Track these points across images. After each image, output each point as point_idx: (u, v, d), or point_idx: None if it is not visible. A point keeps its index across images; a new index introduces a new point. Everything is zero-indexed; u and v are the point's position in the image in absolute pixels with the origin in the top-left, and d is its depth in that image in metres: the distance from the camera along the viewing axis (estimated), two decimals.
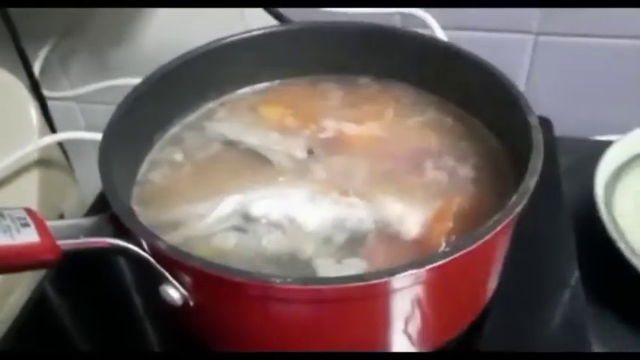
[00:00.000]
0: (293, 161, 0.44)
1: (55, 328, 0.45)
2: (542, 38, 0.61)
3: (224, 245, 0.38)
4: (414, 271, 0.29)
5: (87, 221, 0.33)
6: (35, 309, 0.46)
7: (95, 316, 0.46)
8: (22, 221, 0.31)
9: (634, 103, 0.64)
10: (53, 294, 0.48)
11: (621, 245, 0.46)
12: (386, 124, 0.47)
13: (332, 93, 0.50)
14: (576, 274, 0.45)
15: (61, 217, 0.63)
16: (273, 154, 0.44)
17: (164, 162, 0.44)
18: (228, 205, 0.40)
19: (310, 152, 0.44)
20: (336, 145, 0.45)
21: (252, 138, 0.45)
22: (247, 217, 0.39)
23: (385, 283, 0.30)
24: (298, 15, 0.55)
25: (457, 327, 0.39)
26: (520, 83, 0.65)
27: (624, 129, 0.57)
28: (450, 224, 0.38)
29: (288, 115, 0.48)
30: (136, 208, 0.40)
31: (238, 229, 0.39)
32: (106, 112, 0.40)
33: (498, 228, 0.31)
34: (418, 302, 0.33)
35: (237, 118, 0.48)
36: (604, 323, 0.45)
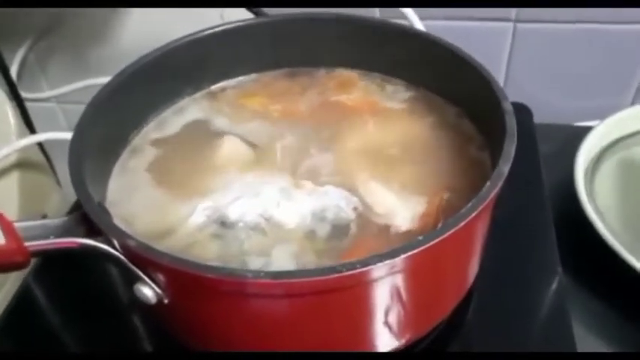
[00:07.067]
0: (277, 148, 0.43)
1: (40, 326, 0.45)
2: (521, 26, 0.61)
3: (206, 256, 0.36)
4: (388, 262, 0.29)
5: (57, 221, 0.33)
6: (19, 306, 0.46)
7: (80, 313, 0.45)
8: None
9: (612, 89, 0.64)
10: (38, 290, 0.47)
11: (602, 229, 0.46)
12: (369, 112, 0.46)
13: (310, 84, 0.49)
14: (557, 258, 0.45)
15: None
16: (260, 142, 0.44)
17: (136, 166, 0.43)
18: (200, 213, 0.38)
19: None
20: (322, 130, 0.45)
21: (238, 128, 0.45)
22: (224, 224, 0.38)
23: (359, 274, 0.29)
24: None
25: (439, 314, 0.39)
26: (500, 72, 0.65)
27: (603, 115, 0.56)
28: (440, 217, 0.37)
29: (271, 104, 0.48)
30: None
31: (217, 236, 0.37)
32: None
33: (472, 215, 0.30)
34: (396, 291, 0.33)
35: (220, 110, 0.47)
36: (586, 306, 0.45)
